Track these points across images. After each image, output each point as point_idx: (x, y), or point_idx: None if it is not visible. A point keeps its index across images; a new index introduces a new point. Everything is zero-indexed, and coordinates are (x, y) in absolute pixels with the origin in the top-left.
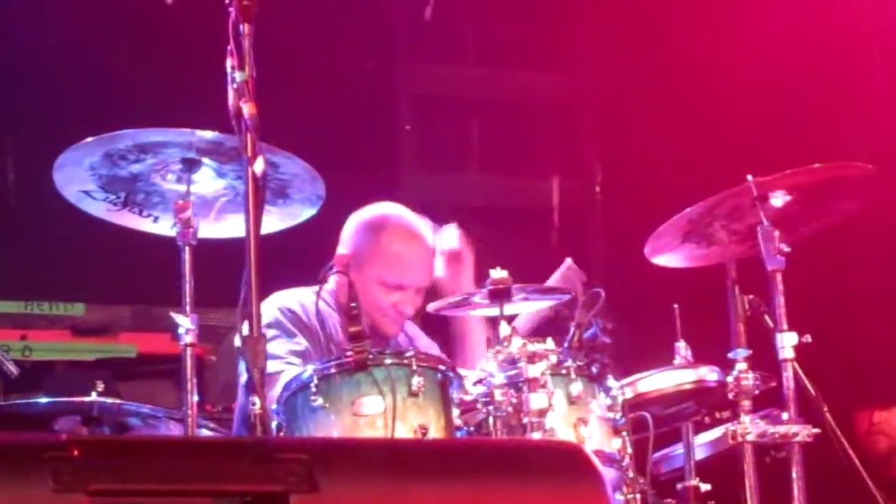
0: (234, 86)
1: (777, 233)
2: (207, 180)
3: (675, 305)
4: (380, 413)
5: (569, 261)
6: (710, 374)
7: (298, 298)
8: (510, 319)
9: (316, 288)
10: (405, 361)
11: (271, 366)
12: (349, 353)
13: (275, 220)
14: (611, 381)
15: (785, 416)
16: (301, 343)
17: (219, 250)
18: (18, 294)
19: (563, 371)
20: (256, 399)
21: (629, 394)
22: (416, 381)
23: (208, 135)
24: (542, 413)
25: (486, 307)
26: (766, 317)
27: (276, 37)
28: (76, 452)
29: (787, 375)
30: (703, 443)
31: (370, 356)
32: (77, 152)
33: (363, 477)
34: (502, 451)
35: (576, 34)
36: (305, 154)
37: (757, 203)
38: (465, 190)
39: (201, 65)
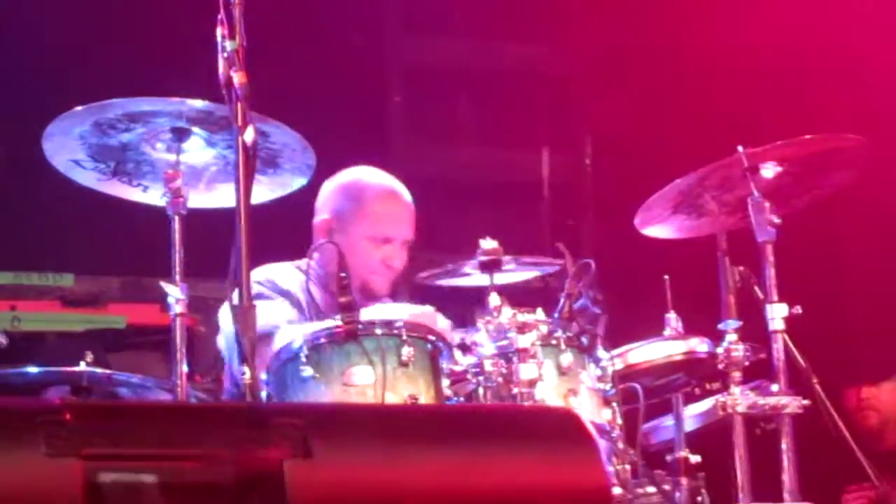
0: (225, 55)
1: (768, 204)
2: (197, 150)
3: (666, 277)
4: (370, 383)
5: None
6: (700, 345)
7: (279, 270)
8: (500, 290)
9: (299, 262)
10: (395, 331)
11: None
12: (339, 324)
13: (265, 190)
14: (601, 352)
15: (775, 387)
16: (283, 305)
17: (209, 220)
18: (8, 265)
19: (553, 342)
20: (246, 368)
21: (619, 365)
22: (407, 351)
23: (198, 104)
24: (531, 384)
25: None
26: (757, 288)
27: (267, 6)
28: (69, 417)
29: (778, 347)
30: (693, 414)
31: (360, 326)
32: (66, 121)
33: (357, 443)
34: (498, 417)
35: (566, 6)
36: (295, 126)
37: (748, 174)
38: (455, 162)
39: (191, 34)
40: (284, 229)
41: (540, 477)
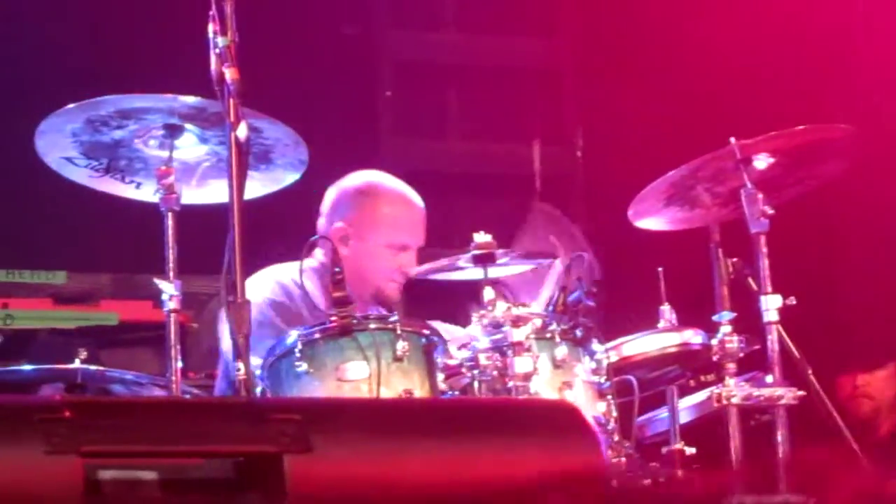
0: (217, 51)
1: (760, 195)
2: (190, 146)
3: (660, 269)
4: (364, 378)
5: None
6: (694, 337)
7: (282, 282)
8: (494, 283)
9: (298, 264)
10: (389, 326)
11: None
12: (333, 319)
13: (258, 186)
14: (595, 345)
15: (769, 378)
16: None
17: (202, 216)
18: None
19: (548, 335)
20: (240, 364)
21: (614, 357)
22: (401, 345)
23: (191, 100)
24: (526, 377)
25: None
26: (751, 280)
27: (259, 2)
28: (68, 414)
29: (772, 338)
30: (687, 406)
31: (354, 321)
32: (59, 119)
33: (357, 437)
34: (497, 411)
35: None
36: (286, 121)
37: (740, 166)
38: (447, 156)
39: (183, 30)
40: (277, 225)
41: (540, 468)
